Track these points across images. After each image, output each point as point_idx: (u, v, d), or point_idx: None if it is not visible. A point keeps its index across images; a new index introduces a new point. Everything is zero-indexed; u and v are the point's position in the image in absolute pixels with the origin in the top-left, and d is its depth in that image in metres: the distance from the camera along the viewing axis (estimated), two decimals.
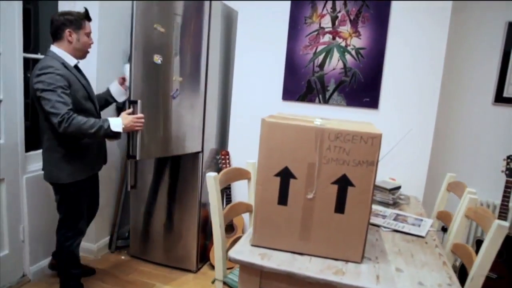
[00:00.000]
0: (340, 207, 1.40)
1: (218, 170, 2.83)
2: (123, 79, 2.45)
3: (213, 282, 2.55)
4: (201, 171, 2.75)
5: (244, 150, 2.97)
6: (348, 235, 1.40)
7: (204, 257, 2.94)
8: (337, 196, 1.39)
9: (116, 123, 2.04)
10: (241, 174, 2.05)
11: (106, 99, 2.44)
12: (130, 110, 2.16)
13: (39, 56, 2.52)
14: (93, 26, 2.64)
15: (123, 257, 2.99)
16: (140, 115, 2.14)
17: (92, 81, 2.72)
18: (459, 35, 2.83)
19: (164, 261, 2.90)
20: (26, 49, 2.37)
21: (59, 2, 2.65)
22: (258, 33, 2.85)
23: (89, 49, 2.19)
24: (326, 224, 1.41)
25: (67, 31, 2.03)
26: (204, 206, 2.83)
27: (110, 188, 3.05)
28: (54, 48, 2.04)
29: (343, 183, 1.37)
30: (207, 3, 2.59)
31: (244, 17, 2.86)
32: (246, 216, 2.81)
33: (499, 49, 2.80)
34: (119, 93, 2.45)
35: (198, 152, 2.72)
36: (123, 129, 2.06)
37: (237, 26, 2.92)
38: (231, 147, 3.02)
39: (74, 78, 2.04)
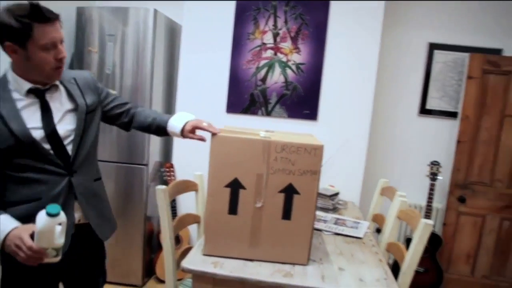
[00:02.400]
0: (287, 214, 1.50)
1: (163, 183, 2.84)
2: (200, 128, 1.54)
3: None
4: (146, 185, 2.74)
5: (188, 162, 2.99)
6: (295, 239, 1.50)
7: (149, 271, 2.91)
8: (284, 204, 1.49)
9: None
10: (189, 186, 2.08)
11: (157, 127, 1.61)
12: (32, 227, 1.16)
13: None
14: None
15: None
16: (34, 247, 1.12)
17: None
18: (388, 53, 3.10)
19: (108, 278, 2.81)
20: None
21: None
22: (202, 47, 2.92)
23: (58, 72, 1.33)
24: (274, 231, 1.50)
25: (6, 45, 1.24)
26: (149, 220, 2.82)
27: None
28: (9, 66, 1.32)
29: (290, 192, 1.48)
30: (150, 17, 2.61)
31: (188, 32, 2.92)
32: (191, 227, 2.83)
33: (422, 66, 3.12)
34: (175, 129, 1.56)
35: (143, 165, 2.71)
36: (1, 246, 1.19)
37: (181, 40, 2.96)
38: (175, 160, 3.04)
39: None
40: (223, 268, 1.43)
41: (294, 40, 2.79)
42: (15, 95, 1.29)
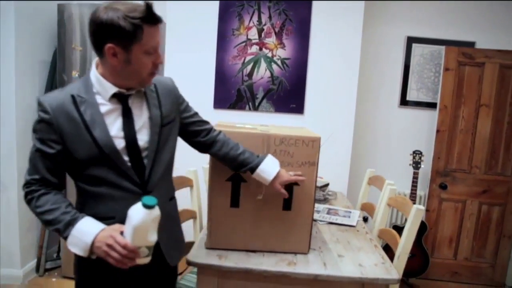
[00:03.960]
0: (287, 205, 1.54)
1: None
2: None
3: None
4: None
5: (180, 158, 2.98)
6: (296, 229, 1.55)
7: None
8: None
9: (80, 241, 1.11)
10: (183, 182, 2.10)
11: (241, 164, 1.45)
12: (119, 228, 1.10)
13: None
14: (9, 32, 2.52)
15: (54, 279, 2.82)
16: (130, 245, 1.06)
17: (10, 97, 2.57)
18: (369, 47, 3.18)
19: None
20: None
21: None
22: (186, 43, 2.91)
23: (150, 75, 1.20)
24: (276, 222, 1.55)
25: (107, 47, 1.11)
26: None
27: None
28: (93, 67, 1.21)
29: (289, 183, 1.52)
30: None
31: (171, 27, 2.91)
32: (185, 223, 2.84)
33: (401, 59, 3.22)
34: (267, 177, 1.44)
35: None
36: (87, 252, 1.12)
37: (165, 36, 2.94)
38: None
39: (78, 125, 1.15)
40: (228, 260, 1.46)
41: (278, 35, 2.83)
42: (99, 99, 1.19)
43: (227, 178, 1.52)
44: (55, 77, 2.76)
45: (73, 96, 1.16)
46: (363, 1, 2.80)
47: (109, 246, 1.06)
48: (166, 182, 1.34)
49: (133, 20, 1.08)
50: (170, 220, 1.36)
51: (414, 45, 3.19)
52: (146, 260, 1.13)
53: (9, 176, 2.63)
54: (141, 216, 1.04)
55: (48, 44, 2.87)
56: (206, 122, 1.49)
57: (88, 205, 1.22)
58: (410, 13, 3.17)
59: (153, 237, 1.09)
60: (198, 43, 2.90)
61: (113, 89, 1.18)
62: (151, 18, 1.11)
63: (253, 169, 1.43)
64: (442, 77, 3.03)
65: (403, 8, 3.17)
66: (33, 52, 2.73)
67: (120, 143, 1.18)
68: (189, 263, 1.45)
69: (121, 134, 1.19)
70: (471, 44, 3.14)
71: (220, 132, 1.49)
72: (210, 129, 1.47)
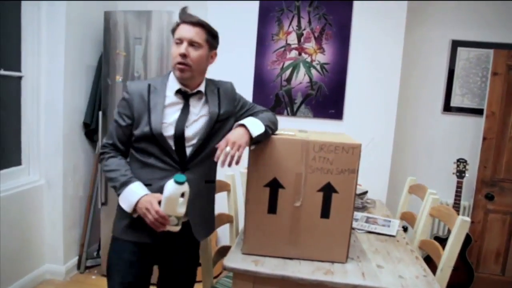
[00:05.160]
0: (325, 212, 1.51)
1: None
2: None
3: None
4: None
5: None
6: (334, 238, 1.52)
7: None
8: (322, 202, 1.51)
9: (128, 199, 1.40)
10: (221, 186, 2.11)
11: None
12: (158, 197, 1.36)
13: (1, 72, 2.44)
14: (59, 38, 2.64)
15: (93, 277, 2.92)
16: (161, 212, 1.32)
17: (58, 99, 2.70)
18: (411, 52, 3.09)
19: None
20: None
21: (22, 2, 2.54)
22: (226, 48, 2.93)
23: (177, 64, 1.44)
24: (313, 229, 1.52)
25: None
26: None
27: (77, 206, 2.98)
28: None
29: (328, 191, 1.49)
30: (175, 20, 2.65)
31: None
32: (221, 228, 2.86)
33: (445, 63, 3.10)
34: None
35: None
36: (131, 209, 1.40)
37: None
38: None
39: (144, 108, 1.44)
40: (264, 266, 1.45)
41: (318, 40, 2.80)
42: (168, 92, 1.48)
43: (265, 184, 1.51)
44: (100, 81, 2.88)
45: (149, 85, 1.48)
46: (406, 1, 2.71)
47: (147, 209, 1.34)
48: (205, 167, 1.54)
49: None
50: (202, 200, 1.56)
51: (459, 49, 3.07)
52: (175, 228, 1.37)
53: (55, 175, 2.76)
54: (171, 189, 1.29)
55: (95, 49, 2.99)
56: (258, 110, 1.67)
57: (135, 171, 1.48)
58: (455, 15, 3.05)
59: (181, 209, 1.33)
60: (237, 47, 2.92)
61: (178, 86, 1.48)
62: (181, 17, 1.46)
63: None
64: (489, 82, 2.89)
65: (447, 9, 3.05)
66: (80, 57, 2.86)
67: (170, 130, 1.43)
68: (225, 268, 1.46)
69: (174, 124, 1.44)
70: None
71: (263, 111, 1.66)
72: (256, 111, 1.65)
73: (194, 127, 1.48)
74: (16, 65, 2.57)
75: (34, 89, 2.66)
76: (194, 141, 1.47)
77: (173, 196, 1.29)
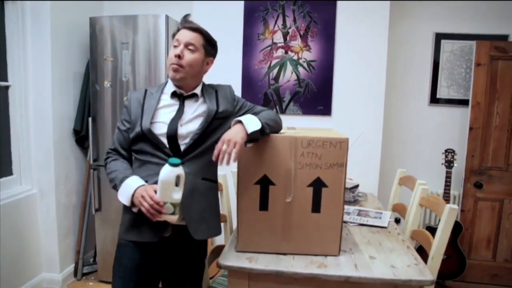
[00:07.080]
0: (316, 207, 1.54)
1: None
2: None
3: None
4: None
5: None
6: (326, 231, 1.55)
7: None
8: (313, 197, 1.53)
9: (125, 192, 1.42)
10: None
11: None
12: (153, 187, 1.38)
13: None
14: (45, 45, 2.64)
15: (91, 283, 2.92)
16: (155, 197, 1.33)
17: (47, 107, 2.69)
18: (396, 46, 3.13)
19: None
20: None
21: (5, 2, 2.53)
22: None
23: (171, 64, 1.49)
24: (305, 224, 1.55)
25: None
26: None
27: (71, 213, 2.97)
28: None
29: (318, 185, 1.52)
30: (162, 23, 2.66)
31: None
32: None
33: (430, 56, 3.15)
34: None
35: None
36: (129, 201, 1.42)
37: None
38: None
39: (139, 110, 1.52)
40: (258, 263, 1.47)
41: (304, 38, 2.83)
42: (164, 96, 1.56)
43: (256, 182, 1.53)
44: (88, 87, 2.88)
45: (146, 91, 1.58)
46: (388, 1, 2.76)
47: (142, 197, 1.34)
48: (201, 163, 1.51)
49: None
50: (199, 197, 1.51)
51: (443, 41, 3.12)
52: (172, 218, 1.36)
53: (47, 183, 2.75)
54: (165, 172, 1.30)
55: (81, 56, 2.99)
56: (260, 110, 1.67)
57: (134, 170, 1.53)
58: (438, 9, 3.10)
59: (176, 196, 1.33)
60: (224, 48, 2.90)
61: (173, 88, 1.54)
62: (182, 23, 1.53)
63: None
64: (473, 73, 2.94)
65: (430, 3, 3.10)
66: (67, 64, 2.86)
67: (162, 128, 1.47)
68: (220, 266, 1.48)
69: (167, 122, 1.47)
70: (504, 38, 3.03)
71: (264, 110, 1.66)
72: (257, 111, 1.65)
73: (189, 125, 1.50)
74: (3, 74, 2.56)
75: (22, 98, 2.66)
76: (188, 138, 1.48)
77: (167, 180, 1.30)
